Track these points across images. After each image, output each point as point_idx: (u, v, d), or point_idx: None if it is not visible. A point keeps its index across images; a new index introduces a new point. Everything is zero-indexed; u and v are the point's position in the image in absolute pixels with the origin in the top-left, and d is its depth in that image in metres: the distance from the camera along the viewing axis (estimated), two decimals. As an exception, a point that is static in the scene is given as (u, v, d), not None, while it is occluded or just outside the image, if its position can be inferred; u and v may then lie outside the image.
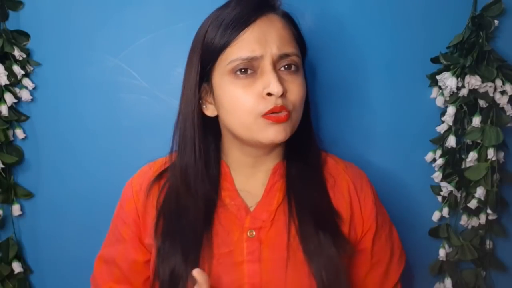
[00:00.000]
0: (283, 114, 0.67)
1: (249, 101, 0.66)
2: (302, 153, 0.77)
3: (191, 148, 0.71)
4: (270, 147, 0.74)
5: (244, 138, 0.69)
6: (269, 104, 0.66)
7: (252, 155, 0.74)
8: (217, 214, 0.72)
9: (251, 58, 0.66)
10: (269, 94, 0.65)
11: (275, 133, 0.67)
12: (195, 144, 0.71)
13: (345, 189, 0.76)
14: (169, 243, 0.70)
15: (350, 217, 0.75)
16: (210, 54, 0.68)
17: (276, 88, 0.65)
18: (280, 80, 0.66)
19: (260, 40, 0.66)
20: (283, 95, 0.66)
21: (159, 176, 0.76)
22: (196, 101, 0.71)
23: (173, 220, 0.71)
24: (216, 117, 0.73)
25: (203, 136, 0.72)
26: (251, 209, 0.73)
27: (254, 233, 0.71)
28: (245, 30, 0.67)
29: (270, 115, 0.66)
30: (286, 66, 0.69)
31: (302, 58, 0.73)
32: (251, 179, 0.75)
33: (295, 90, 0.68)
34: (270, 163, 0.76)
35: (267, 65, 0.66)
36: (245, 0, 0.69)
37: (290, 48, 0.69)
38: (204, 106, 0.72)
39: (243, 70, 0.66)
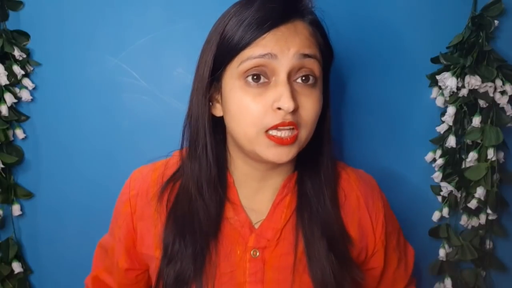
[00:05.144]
0: (289, 135, 0.60)
1: (256, 111, 0.60)
2: (315, 166, 0.71)
3: (203, 153, 0.66)
4: (276, 164, 0.67)
5: (246, 150, 0.64)
6: (277, 118, 0.59)
7: (259, 169, 0.68)
8: (220, 228, 0.68)
9: (264, 55, 0.59)
10: (279, 108, 0.59)
11: (278, 155, 0.61)
12: (207, 150, 0.65)
13: (355, 207, 0.72)
14: (179, 243, 0.66)
15: (359, 237, 0.71)
16: (225, 54, 0.62)
17: (287, 103, 0.58)
18: (294, 94, 0.60)
19: (279, 42, 0.60)
20: (295, 111, 0.60)
21: (169, 180, 0.71)
22: (207, 102, 0.65)
23: (184, 221, 0.67)
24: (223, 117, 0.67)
25: (214, 141, 0.66)
26: (256, 226, 0.68)
27: (258, 253, 0.67)
28: (266, 34, 0.60)
29: (274, 135, 0.60)
30: (303, 78, 0.62)
31: (326, 69, 0.67)
32: (258, 194, 0.70)
33: (309, 106, 0.62)
34: (279, 178, 0.70)
35: (282, 73, 0.60)
36: (272, 1, 0.62)
37: (311, 51, 0.61)
38: (211, 104, 0.66)
39: (255, 77, 0.60)
